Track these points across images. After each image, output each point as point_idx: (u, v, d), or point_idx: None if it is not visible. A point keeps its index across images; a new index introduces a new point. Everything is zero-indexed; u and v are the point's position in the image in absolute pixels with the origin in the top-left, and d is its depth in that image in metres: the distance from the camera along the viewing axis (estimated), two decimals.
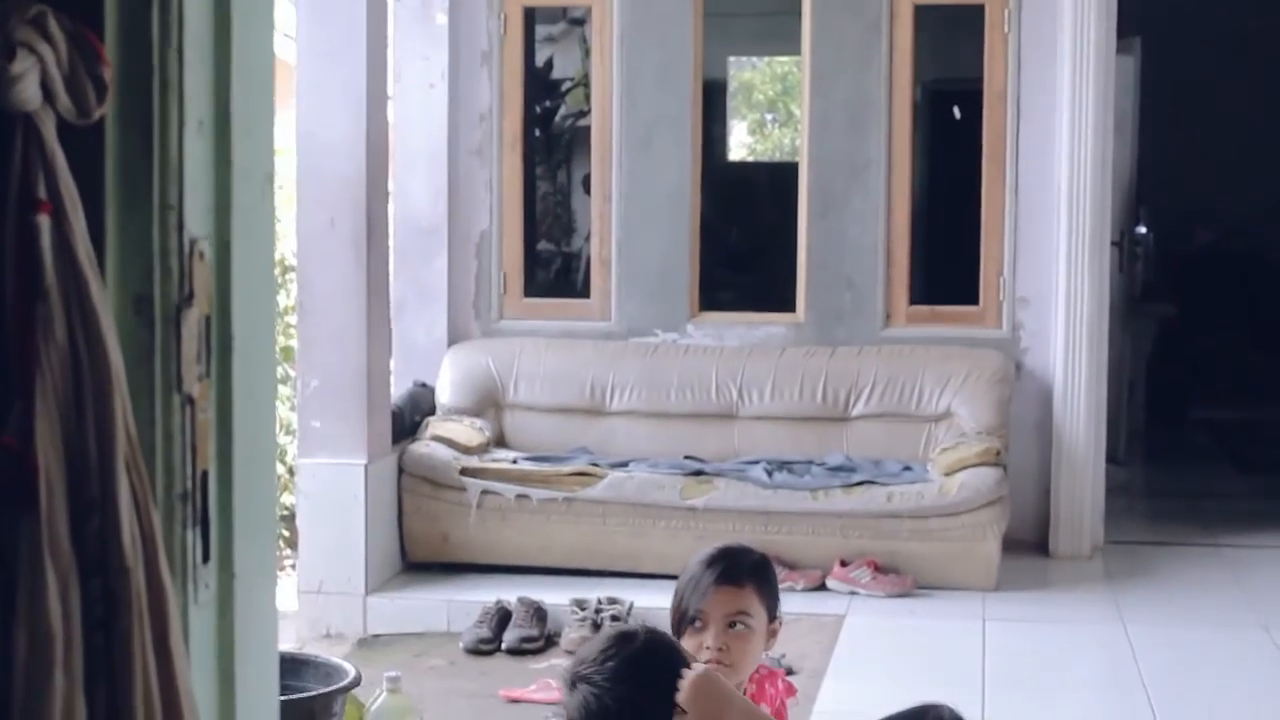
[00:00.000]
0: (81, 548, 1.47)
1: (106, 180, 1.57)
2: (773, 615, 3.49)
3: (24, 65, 1.46)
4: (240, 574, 1.62)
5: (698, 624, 3.41)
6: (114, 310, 1.55)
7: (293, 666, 3.73)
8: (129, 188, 1.58)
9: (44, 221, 1.49)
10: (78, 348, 1.50)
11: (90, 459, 1.48)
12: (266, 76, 1.72)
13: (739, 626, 3.44)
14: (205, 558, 1.59)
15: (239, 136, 1.65)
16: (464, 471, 7.26)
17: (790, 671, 5.75)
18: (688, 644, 3.42)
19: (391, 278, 7.51)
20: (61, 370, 1.49)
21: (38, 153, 1.48)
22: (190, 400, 1.58)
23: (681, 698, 2.93)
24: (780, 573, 4.99)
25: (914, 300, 8.00)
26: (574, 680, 2.89)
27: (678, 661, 2.96)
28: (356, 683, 3.62)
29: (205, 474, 1.60)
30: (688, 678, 2.94)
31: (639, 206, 8.05)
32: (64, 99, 1.50)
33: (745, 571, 3.50)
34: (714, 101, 10.26)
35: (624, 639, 2.94)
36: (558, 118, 10.64)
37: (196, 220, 1.60)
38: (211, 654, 1.60)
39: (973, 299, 7.96)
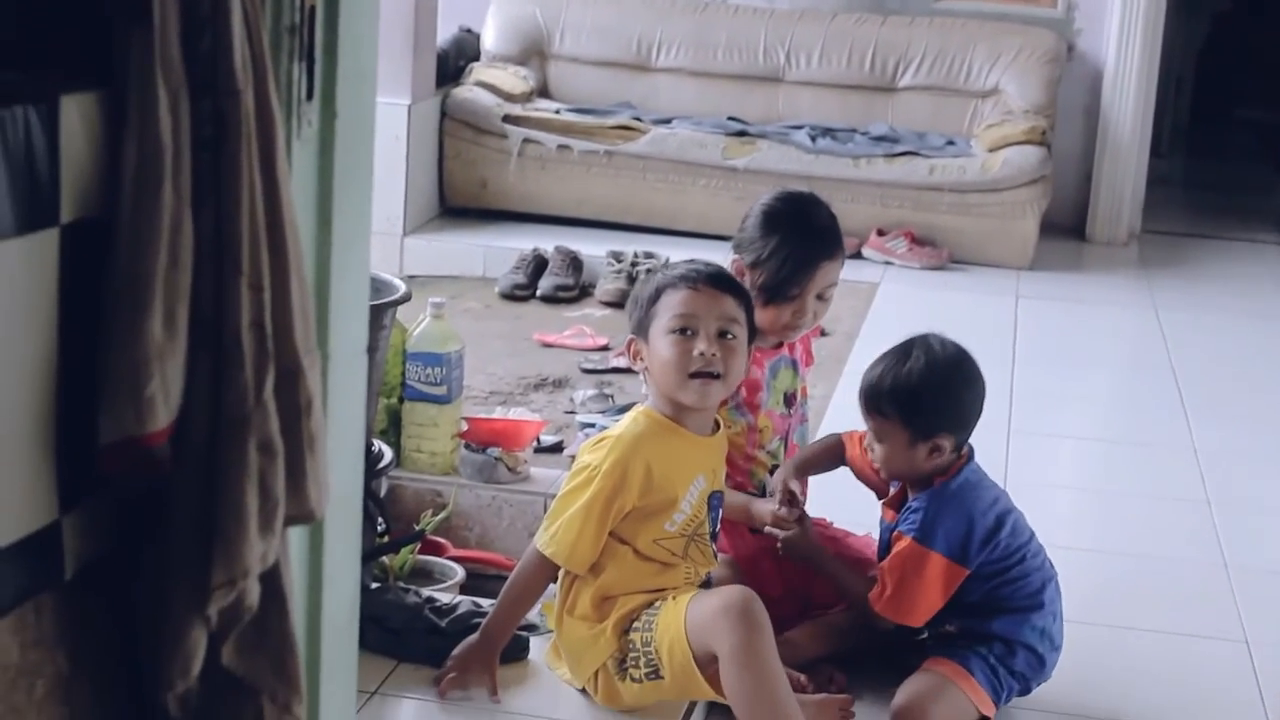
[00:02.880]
0: (193, 66, 1.46)
1: None
2: None
3: None
4: (342, 114, 1.62)
5: (794, 296, 3.37)
6: None
7: None
8: None
9: None
10: None
11: None
12: None
13: (827, 295, 3.43)
14: (310, 94, 1.58)
15: None
16: (506, 119, 7.22)
17: (823, 332, 5.79)
18: (773, 313, 3.39)
19: None
20: None
21: None
22: None
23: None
24: None
25: None
26: None
27: None
28: (408, 298, 3.63)
29: (313, 8, 1.58)
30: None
31: None
32: None
33: (841, 243, 3.47)
34: None
35: None
36: None
37: None
38: (312, 190, 1.60)
39: None
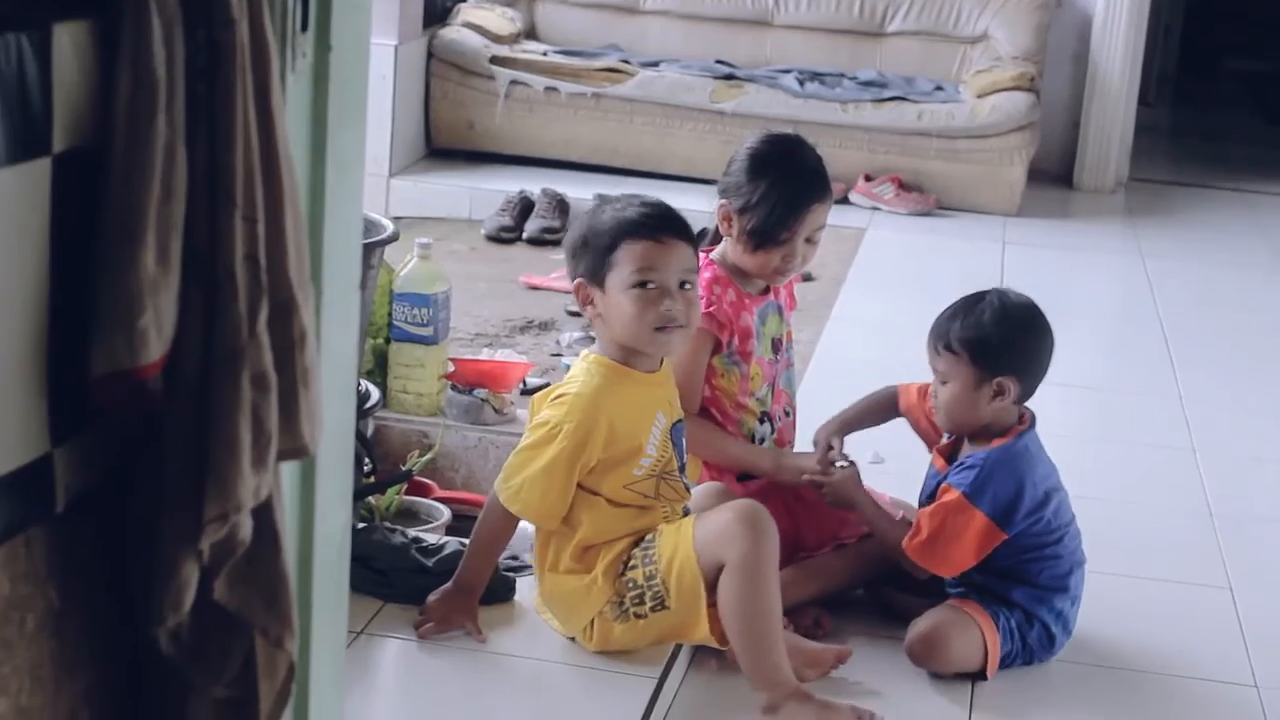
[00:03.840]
0: None
1: None
2: None
3: None
4: (337, 47, 1.60)
5: (783, 240, 3.36)
6: None
7: None
8: None
9: None
10: None
11: None
12: None
13: (816, 238, 3.43)
14: (304, 26, 1.57)
15: None
16: (494, 60, 7.19)
17: (809, 277, 5.78)
18: (762, 257, 3.38)
19: None
20: None
21: None
22: None
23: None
24: None
25: None
26: None
27: None
28: (395, 237, 3.63)
29: None
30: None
31: None
32: None
33: (829, 185, 3.45)
34: None
35: None
36: None
37: None
38: (306, 123, 1.59)
39: None
